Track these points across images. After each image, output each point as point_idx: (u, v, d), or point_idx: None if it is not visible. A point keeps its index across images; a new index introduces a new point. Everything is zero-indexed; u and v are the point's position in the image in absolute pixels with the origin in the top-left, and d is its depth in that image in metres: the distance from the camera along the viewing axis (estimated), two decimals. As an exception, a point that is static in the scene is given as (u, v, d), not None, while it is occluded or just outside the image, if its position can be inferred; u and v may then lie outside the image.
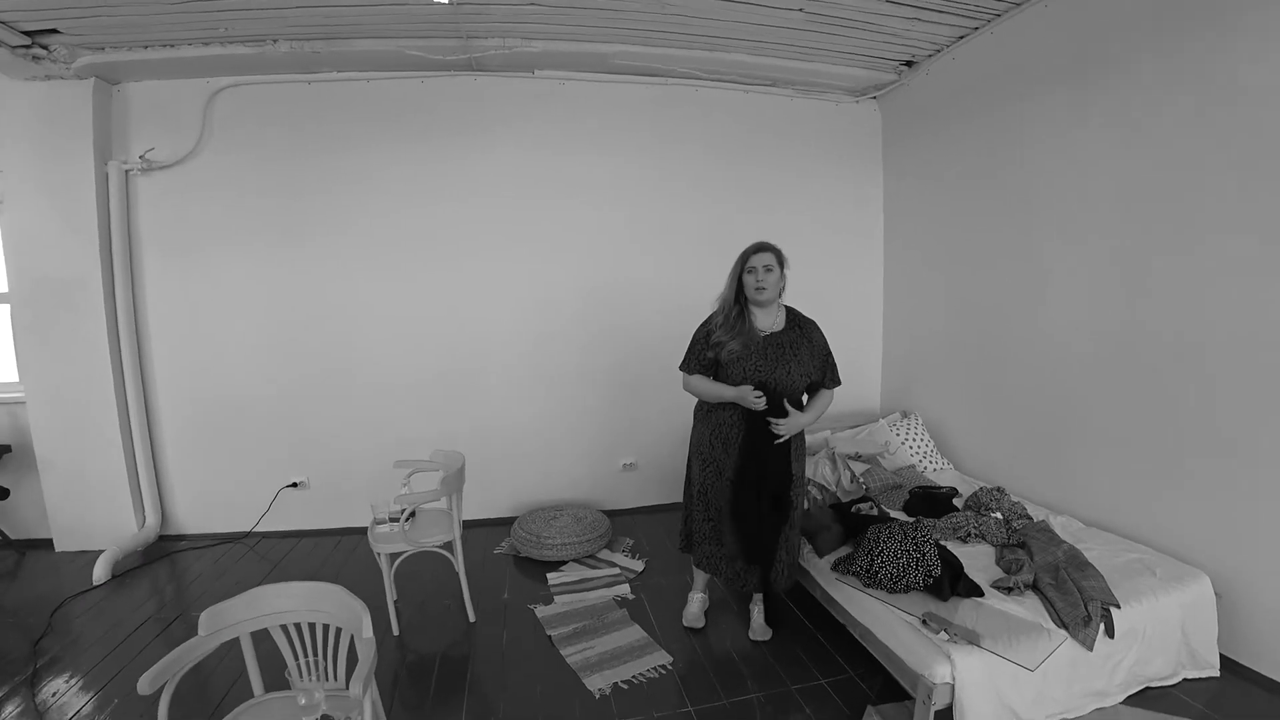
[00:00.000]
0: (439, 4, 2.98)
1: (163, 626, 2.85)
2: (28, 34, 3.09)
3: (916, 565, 2.27)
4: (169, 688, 1.37)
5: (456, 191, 3.87)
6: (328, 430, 3.93)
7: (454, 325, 3.96)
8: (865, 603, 2.30)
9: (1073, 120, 2.89)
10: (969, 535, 2.72)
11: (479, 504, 3.81)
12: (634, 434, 4.22)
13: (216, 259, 3.75)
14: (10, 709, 2.26)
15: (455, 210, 3.88)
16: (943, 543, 2.56)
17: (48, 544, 3.71)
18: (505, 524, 3.91)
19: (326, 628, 1.68)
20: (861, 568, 2.38)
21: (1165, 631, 2.20)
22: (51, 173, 3.48)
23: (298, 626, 1.68)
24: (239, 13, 3.02)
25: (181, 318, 3.78)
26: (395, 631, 2.76)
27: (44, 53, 3.24)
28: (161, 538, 3.85)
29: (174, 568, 3.54)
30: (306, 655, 1.67)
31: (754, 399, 2.37)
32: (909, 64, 3.85)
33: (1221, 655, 2.30)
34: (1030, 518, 2.89)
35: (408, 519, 2.77)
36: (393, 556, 2.74)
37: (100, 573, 3.30)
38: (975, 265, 3.60)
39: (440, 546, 2.75)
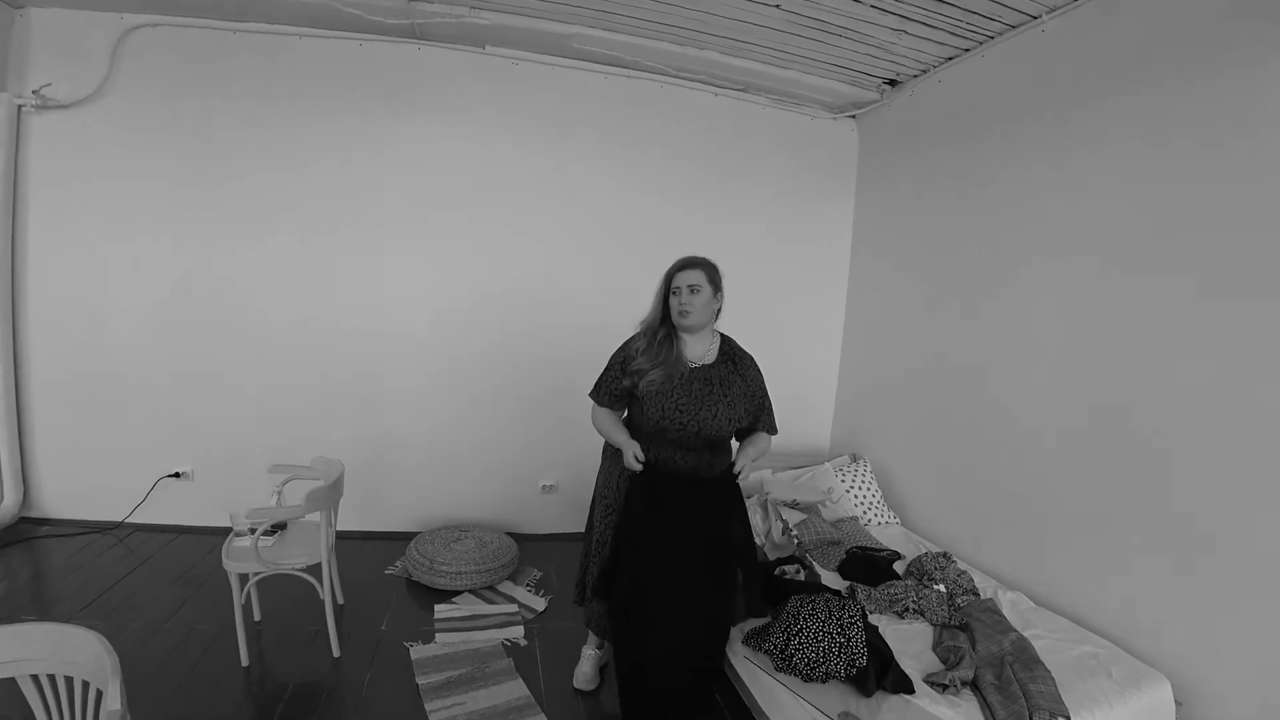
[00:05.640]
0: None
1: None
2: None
3: (839, 651, 1.95)
4: None
5: (379, 171, 3.50)
6: (220, 419, 3.52)
7: (367, 315, 3.59)
8: (773, 690, 1.98)
9: (1057, 160, 2.62)
10: (906, 610, 2.42)
11: (380, 515, 3.44)
12: (558, 453, 3.84)
13: (111, 215, 3.34)
14: None
15: (375, 191, 3.51)
16: (875, 620, 2.26)
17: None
18: (406, 540, 3.52)
19: (87, 685, 1.31)
20: (776, 647, 2.05)
21: (1119, 744, 1.90)
22: (-76, 98, 3.05)
23: (51, 678, 1.32)
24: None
25: (66, 277, 3.36)
26: (244, 662, 2.37)
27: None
28: (23, 520, 3.42)
29: (29, 555, 3.13)
30: (61, 713, 1.30)
31: (634, 459, 2.07)
32: (893, 83, 3.57)
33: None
34: (977, 593, 2.60)
35: (267, 534, 2.40)
36: (244, 577, 2.36)
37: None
38: (947, 311, 3.29)
39: (304, 570, 2.37)
